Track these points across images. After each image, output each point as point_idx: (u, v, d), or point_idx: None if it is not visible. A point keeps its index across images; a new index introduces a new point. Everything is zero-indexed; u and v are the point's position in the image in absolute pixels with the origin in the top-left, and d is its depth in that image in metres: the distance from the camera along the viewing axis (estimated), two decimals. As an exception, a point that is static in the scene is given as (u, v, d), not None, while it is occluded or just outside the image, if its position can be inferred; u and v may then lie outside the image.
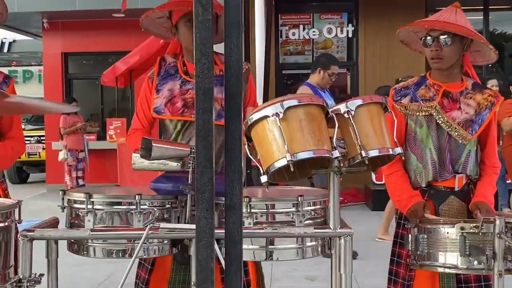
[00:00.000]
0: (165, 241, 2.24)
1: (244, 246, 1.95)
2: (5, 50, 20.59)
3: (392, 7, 9.73)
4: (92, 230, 2.13)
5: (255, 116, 2.00)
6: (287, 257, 2.25)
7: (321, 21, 10.71)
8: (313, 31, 10.68)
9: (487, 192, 2.74)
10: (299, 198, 2.16)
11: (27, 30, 12.95)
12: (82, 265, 5.42)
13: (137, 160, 2.16)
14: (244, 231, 1.44)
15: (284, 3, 10.48)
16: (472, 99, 2.74)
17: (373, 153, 2.06)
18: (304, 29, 10.71)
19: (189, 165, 2.11)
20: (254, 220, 2.18)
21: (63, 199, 2.25)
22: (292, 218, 2.21)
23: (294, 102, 1.96)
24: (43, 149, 13.04)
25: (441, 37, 2.67)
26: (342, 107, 2.09)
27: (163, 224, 2.08)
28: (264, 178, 1.99)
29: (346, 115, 2.06)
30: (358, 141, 2.04)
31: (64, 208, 2.25)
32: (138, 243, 2.14)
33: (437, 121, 2.71)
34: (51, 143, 11.78)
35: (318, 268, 5.39)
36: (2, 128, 2.80)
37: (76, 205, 2.22)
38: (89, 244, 2.19)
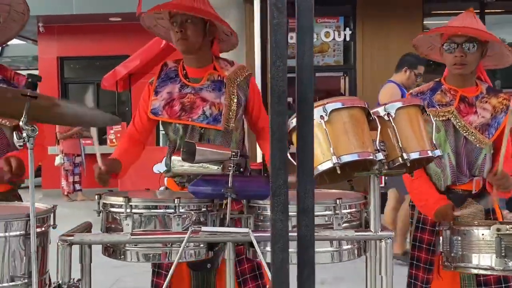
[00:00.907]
0: (201, 245, 2.23)
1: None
2: (-2, 54, 20.45)
3: (389, 10, 9.75)
4: (132, 234, 2.12)
5: (298, 120, 1.99)
6: (324, 261, 2.23)
7: (318, 25, 10.72)
8: (311, 35, 10.70)
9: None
10: (338, 201, 2.16)
11: (21, 34, 12.82)
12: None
13: (177, 163, 2.15)
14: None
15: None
16: (487, 103, 2.76)
17: (414, 155, 2.07)
18: (301, 33, 10.72)
19: (229, 168, 2.10)
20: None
21: (98, 203, 2.24)
22: (327, 221, 2.20)
23: (338, 105, 1.96)
24: (39, 153, 12.93)
25: (466, 43, 2.66)
26: (381, 110, 2.10)
27: (204, 228, 2.07)
28: (306, 181, 1.98)
29: (386, 117, 2.07)
30: (399, 143, 2.05)
31: (100, 212, 2.24)
32: (176, 247, 2.13)
33: (455, 125, 2.73)
34: (47, 148, 11.68)
35: (325, 271, 5.37)
36: None
37: (113, 209, 2.20)
38: (126, 248, 2.18)
